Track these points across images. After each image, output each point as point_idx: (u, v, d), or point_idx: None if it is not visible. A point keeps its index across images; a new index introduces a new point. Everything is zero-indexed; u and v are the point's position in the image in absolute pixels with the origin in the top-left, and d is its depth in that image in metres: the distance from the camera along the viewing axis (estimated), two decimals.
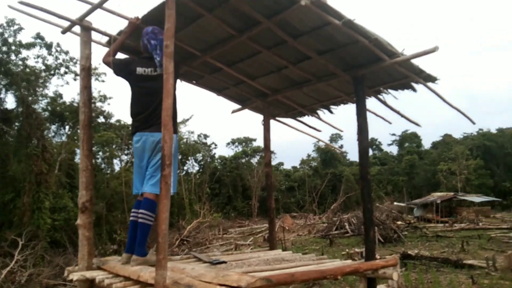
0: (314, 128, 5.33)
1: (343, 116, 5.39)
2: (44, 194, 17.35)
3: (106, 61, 3.62)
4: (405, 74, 3.82)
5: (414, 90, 4.11)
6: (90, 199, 3.46)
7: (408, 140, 56.59)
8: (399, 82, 4.07)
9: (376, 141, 62.62)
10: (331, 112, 5.02)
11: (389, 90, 4.29)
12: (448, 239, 16.82)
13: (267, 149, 4.93)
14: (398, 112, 4.35)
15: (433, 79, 3.90)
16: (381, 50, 3.48)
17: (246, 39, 3.75)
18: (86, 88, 3.71)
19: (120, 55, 3.89)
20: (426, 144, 57.68)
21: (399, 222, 20.30)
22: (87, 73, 3.73)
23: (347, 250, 13.99)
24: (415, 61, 3.70)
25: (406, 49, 3.63)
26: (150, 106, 3.37)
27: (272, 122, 5.18)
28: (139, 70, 3.47)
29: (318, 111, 5.14)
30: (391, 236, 17.19)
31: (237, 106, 5.34)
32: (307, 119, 5.35)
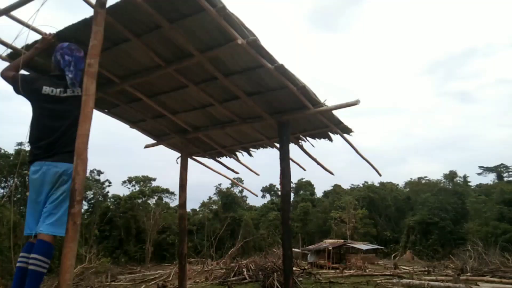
0: (233, 170, 5.21)
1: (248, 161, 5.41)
2: None
3: (5, 75, 3.08)
4: (325, 124, 3.99)
5: (331, 139, 4.31)
6: None
7: (303, 188, 59.91)
8: (318, 131, 4.24)
9: (274, 187, 65.01)
10: (250, 155, 4.99)
11: (307, 138, 4.42)
12: (339, 285, 17.59)
13: (183, 188, 4.60)
14: (315, 160, 4.50)
15: (348, 130, 4.13)
16: (306, 98, 3.59)
17: (173, 71, 3.56)
18: None
19: (23, 73, 3.37)
20: (318, 192, 61.72)
21: (294, 268, 20.75)
22: None
23: None
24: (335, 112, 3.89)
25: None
26: (56, 132, 2.90)
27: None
28: (46, 89, 2.98)
29: (237, 153, 5.06)
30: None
31: (151, 141, 4.99)
32: (223, 160, 5.22)
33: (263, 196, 64.68)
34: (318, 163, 4.58)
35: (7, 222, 23.71)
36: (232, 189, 56.58)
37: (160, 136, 4.95)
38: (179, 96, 4.09)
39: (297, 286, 17.12)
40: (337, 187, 57.81)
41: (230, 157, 5.09)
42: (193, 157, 5.17)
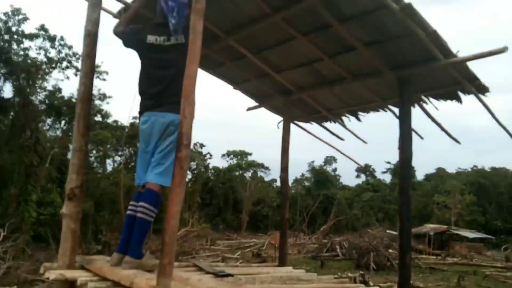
0: (338, 136, 4.78)
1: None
2: (32, 187, 16.77)
3: (116, 31, 3.10)
4: (457, 80, 3.34)
5: (460, 101, 3.62)
6: (81, 185, 2.84)
7: None
8: (445, 90, 3.59)
9: (370, 167, 62.37)
10: (358, 119, 4.50)
11: (430, 99, 3.79)
12: (442, 272, 16.26)
13: (285, 152, 4.34)
14: (440, 126, 3.84)
15: (485, 89, 3.42)
16: (437, 46, 3.00)
17: (281, 20, 3.26)
18: (89, 56, 3.15)
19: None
20: (419, 175, 57.53)
21: (391, 250, 19.71)
22: (92, 40, 3.17)
23: (339, 273, 13.36)
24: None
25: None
26: (162, 82, 2.83)
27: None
28: (150, 38, 2.89)
29: (343, 118, 4.61)
30: (384, 264, 16.59)
31: (253, 103, 4.80)
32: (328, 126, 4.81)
33: (358, 176, 62.55)
34: (443, 129, 3.91)
35: (124, 186, 26.68)
36: (325, 167, 55.77)
37: (262, 98, 4.71)
38: (285, 51, 3.78)
39: (394, 268, 16.26)
40: (440, 171, 53.30)
41: (335, 122, 4.67)
42: (295, 122, 4.87)
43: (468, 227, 35.90)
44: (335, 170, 59.44)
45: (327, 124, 4.78)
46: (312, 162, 53.90)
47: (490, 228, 39.67)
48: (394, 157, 57.28)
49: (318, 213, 45.40)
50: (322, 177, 50.66)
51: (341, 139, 4.78)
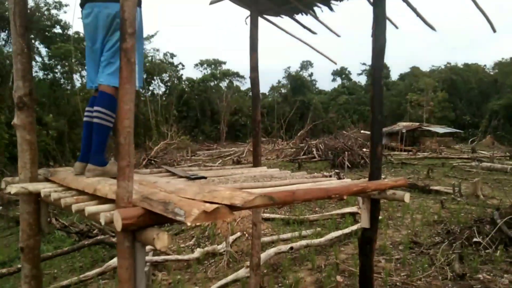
0: (310, 30, 4.44)
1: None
2: None
3: None
4: None
5: None
6: (30, 93, 2.57)
7: None
8: None
9: (346, 70, 62.34)
10: (331, 9, 4.13)
11: None
12: (413, 166, 17.28)
13: (254, 48, 3.96)
14: (415, 11, 3.58)
15: None
16: None
17: None
18: None
19: None
20: (394, 75, 58.13)
21: (365, 149, 20.59)
22: None
23: (315, 173, 14.00)
24: None
25: None
26: None
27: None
28: None
29: (315, 8, 4.23)
30: (358, 162, 17.44)
31: None
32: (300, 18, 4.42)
33: (333, 80, 62.78)
34: (419, 15, 3.66)
35: None
36: (301, 72, 55.39)
37: None
38: None
39: (367, 165, 17.20)
40: (415, 70, 53.72)
41: (306, 14, 4.29)
42: (264, 16, 4.46)
43: (439, 123, 37.50)
44: (311, 75, 59.38)
45: (299, 17, 4.42)
46: (288, 68, 53.39)
47: (459, 123, 41.61)
48: (369, 58, 57.09)
49: (295, 119, 46.32)
50: (298, 83, 50.59)
51: (313, 32, 4.45)
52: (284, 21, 4.56)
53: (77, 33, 25.86)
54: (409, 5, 3.56)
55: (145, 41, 34.11)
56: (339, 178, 12.50)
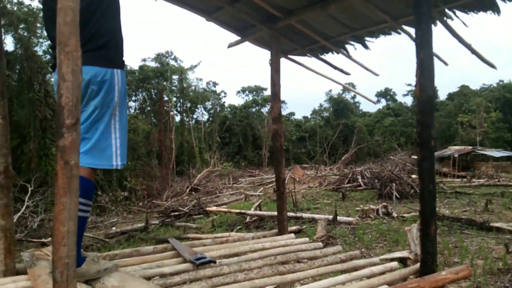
0: (342, 71, 4.12)
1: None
2: (50, 141, 16.96)
3: None
4: None
5: (498, 10, 2.93)
6: (5, 171, 2.18)
7: None
8: None
9: (391, 91, 60.80)
10: (365, 46, 3.81)
11: (456, 12, 3.11)
12: (468, 196, 16.04)
13: (275, 98, 3.61)
14: (470, 48, 3.19)
15: None
16: None
17: None
18: None
19: None
20: (442, 95, 55.77)
21: (414, 176, 19.50)
22: None
23: (361, 206, 13.36)
24: None
25: None
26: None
27: (282, 65, 3.83)
28: None
29: (347, 46, 3.93)
30: (407, 192, 16.45)
31: (235, 38, 3.94)
32: (331, 58, 4.13)
33: (378, 101, 61.28)
34: (475, 52, 3.27)
35: (142, 131, 26.91)
36: (343, 95, 54.63)
37: (243, 30, 3.86)
38: None
39: (417, 195, 16.19)
40: (464, 88, 51.37)
41: (338, 53, 4.00)
42: (289, 56, 4.21)
43: (494, 145, 35.22)
44: (354, 97, 58.34)
45: (329, 56, 4.13)
46: (330, 91, 52.92)
47: None
48: (414, 78, 55.27)
49: (339, 142, 45.44)
50: (340, 106, 49.90)
51: (347, 73, 4.14)
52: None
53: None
54: (461, 41, 3.21)
55: (188, 70, 35.43)
56: (387, 212, 11.83)
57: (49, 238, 10.75)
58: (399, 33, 3.61)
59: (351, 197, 16.87)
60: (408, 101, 57.17)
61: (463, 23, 3.18)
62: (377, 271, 2.51)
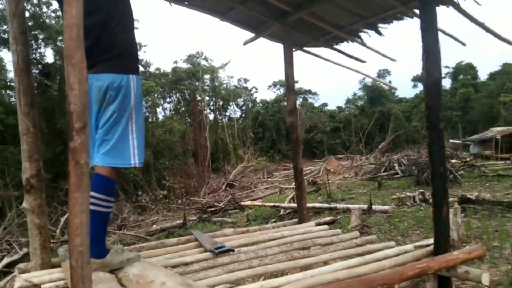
0: (357, 59, 4.14)
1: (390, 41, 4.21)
2: None
3: None
4: None
5: None
6: (37, 174, 2.34)
7: (463, 72, 52.12)
8: None
9: None
10: (379, 33, 3.82)
11: None
12: (511, 178, 15.34)
13: (290, 91, 3.70)
14: (483, 26, 3.11)
15: None
16: None
17: None
18: (15, 15, 2.38)
19: None
20: (483, 75, 53.01)
21: (453, 161, 18.83)
22: None
23: (397, 193, 13.11)
24: None
25: None
26: (89, 34, 2.06)
27: (304, 55, 3.91)
28: None
29: (361, 34, 3.94)
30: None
31: (250, 35, 4.09)
32: (346, 46, 4.17)
33: (415, 86, 59.23)
34: (489, 30, 3.19)
35: (177, 131, 27.65)
36: (377, 82, 53.26)
37: (257, 27, 3.99)
38: None
39: (458, 180, 15.62)
40: (507, 67, 48.50)
41: (352, 41, 4.02)
42: (304, 48, 4.26)
43: None
44: (390, 83, 56.73)
45: (344, 46, 4.15)
46: (363, 79, 51.62)
47: None
48: (453, 59, 52.96)
49: (375, 131, 44.45)
50: (375, 94, 48.62)
51: (362, 61, 4.15)
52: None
53: (157, 69, 27.98)
54: (473, 20, 3.16)
55: (219, 69, 35.93)
56: (424, 199, 11.56)
57: None
58: (412, 18, 3.61)
59: (387, 185, 16.56)
60: (447, 84, 54.86)
61: (476, 1, 3.13)
62: (392, 253, 2.57)
